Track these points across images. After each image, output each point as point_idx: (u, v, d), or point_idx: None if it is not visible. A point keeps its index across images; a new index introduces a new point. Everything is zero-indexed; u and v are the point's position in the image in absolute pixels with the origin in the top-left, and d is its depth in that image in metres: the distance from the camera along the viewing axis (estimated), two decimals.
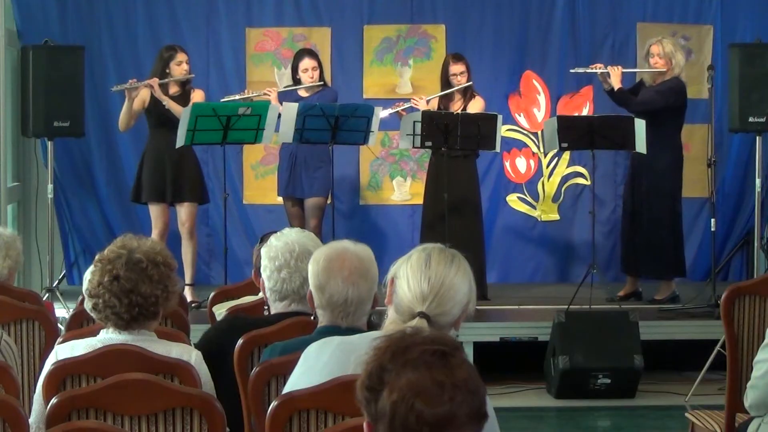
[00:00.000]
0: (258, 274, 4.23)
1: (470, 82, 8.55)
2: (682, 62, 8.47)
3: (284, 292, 4.04)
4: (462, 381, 2.05)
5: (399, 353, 2.07)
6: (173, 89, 8.41)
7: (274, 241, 4.09)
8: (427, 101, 8.60)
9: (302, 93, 8.58)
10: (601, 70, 8.47)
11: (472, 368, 2.09)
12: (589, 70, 8.58)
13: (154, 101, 8.29)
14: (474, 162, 8.59)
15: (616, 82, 8.41)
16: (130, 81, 8.38)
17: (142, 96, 8.37)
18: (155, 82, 8.27)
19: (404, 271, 2.95)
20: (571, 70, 8.90)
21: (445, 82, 8.60)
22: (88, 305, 3.78)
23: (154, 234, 8.31)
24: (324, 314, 3.51)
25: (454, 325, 2.97)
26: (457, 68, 8.54)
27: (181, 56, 8.38)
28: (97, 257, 3.77)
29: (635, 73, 8.68)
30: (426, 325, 2.85)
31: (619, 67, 8.50)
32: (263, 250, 4.10)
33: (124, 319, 3.69)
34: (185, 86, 8.44)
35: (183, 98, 8.35)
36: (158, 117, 8.31)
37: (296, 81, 8.60)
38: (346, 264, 3.47)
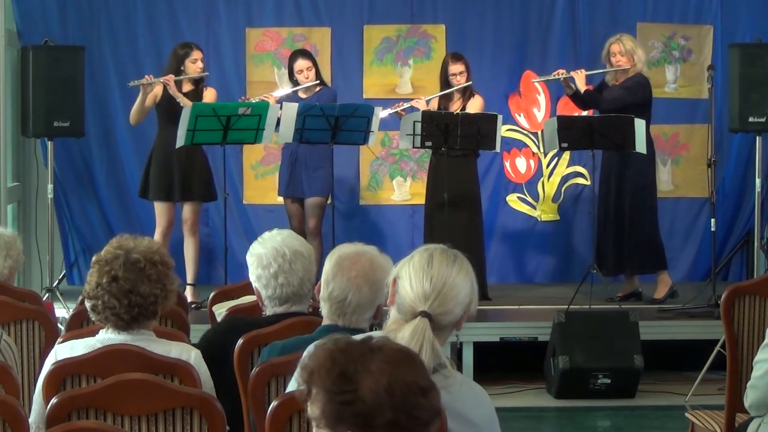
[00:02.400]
0: None
1: (469, 82, 8.56)
2: (643, 57, 8.54)
3: (285, 296, 4.05)
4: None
5: (354, 360, 2.07)
6: (186, 87, 8.40)
7: (260, 249, 4.08)
8: (427, 101, 8.61)
9: (301, 94, 8.57)
10: (564, 76, 8.48)
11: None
12: (552, 78, 8.60)
13: (166, 97, 8.28)
14: (474, 161, 8.59)
15: (581, 85, 8.45)
16: (146, 77, 8.36)
17: (155, 91, 8.36)
18: (171, 78, 8.26)
19: (406, 271, 2.96)
20: (534, 81, 8.95)
21: (445, 81, 8.61)
22: (88, 305, 3.78)
23: (158, 232, 8.30)
24: (324, 306, 3.56)
25: (456, 325, 2.97)
26: (456, 68, 8.54)
27: (196, 54, 8.38)
28: (94, 258, 3.77)
29: (599, 74, 8.66)
30: (428, 324, 2.86)
31: (583, 70, 8.53)
32: (253, 261, 4.09)
33: (124, 319, 3.68)
34: (198, 84, 8.43)
35: (195, 96, 8.34)
36: (169, 113, 8.29)
37: (294, 83, 8.60)
38: (356, 266, 3.50)
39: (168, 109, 8.29)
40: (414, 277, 2.93)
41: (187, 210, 8.41)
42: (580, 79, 8.47)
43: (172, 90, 8.22)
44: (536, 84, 9.64)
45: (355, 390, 2.04)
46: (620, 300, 8.52)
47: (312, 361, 2.09)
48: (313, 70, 8.54)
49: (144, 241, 3.76)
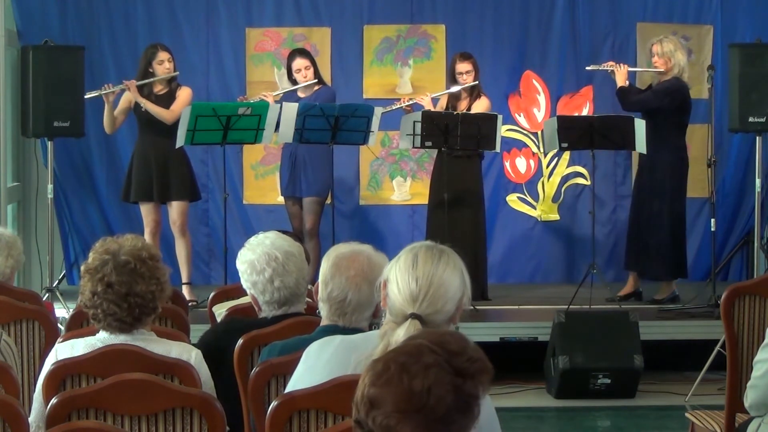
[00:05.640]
0: None
1: (476, 82, 8.54)
2: (682, 62, 8.42)
3: (283, 299, 4.05)
4: (407, 372, 2.04)
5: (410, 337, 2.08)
6: (158, 88, 8.41)
7: (251, 255, 4.07)
8: (434, 100, 8.59)
9: (299, 94, 8.58)
10: (611, 68, 8.48)
11: (436, 379, 2.06)
12: (601, 68, 8.60)
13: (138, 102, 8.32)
14: (478, 162, 8.58)
15: (620, 81, 8.42)
16: (104, 86, 8.39)
17: (128, 97, 8.38)
18: (132, 83, 8.27)
19: (394, 273, 2.94)
20: (587, 68, 8.89)
21: (452, 80, 8.60)
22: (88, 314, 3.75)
23: (146, 233, 8.33)
24: (323, 307, 3.56)
25: (451, 320, 2.95)
26: (463, 67, 8.53)
27: (162, 55, 8.37)
28: (83, 268, 3.72)
29: (637, 72, 8.70)
30: (419, 326, 2.84)
31: (625, 66, 8.50)
32: (246, 268, 4.07)
33: (128, 322, 3.67)
34: (171, 84, 8.43)
35: (168, 97, 8.35)
36: (143, 118, 8.35)
37: (293, 82, 8.60)
38: (354, 265, 3.50)
39: (142, 113, 8.32)
40: (400, 279, 2.91)
41: (173, 211, 8.43)
42: (620, 75, 8.43)
43: (134, 94, 8.24)
44: (536, 84, 9.65)
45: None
46: (620, 300, 8.51)
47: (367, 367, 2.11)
48: (311, 69, 8.53)
49: (128, 240, 3.73)
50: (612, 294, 8.51)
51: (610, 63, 8.57)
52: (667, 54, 8.37)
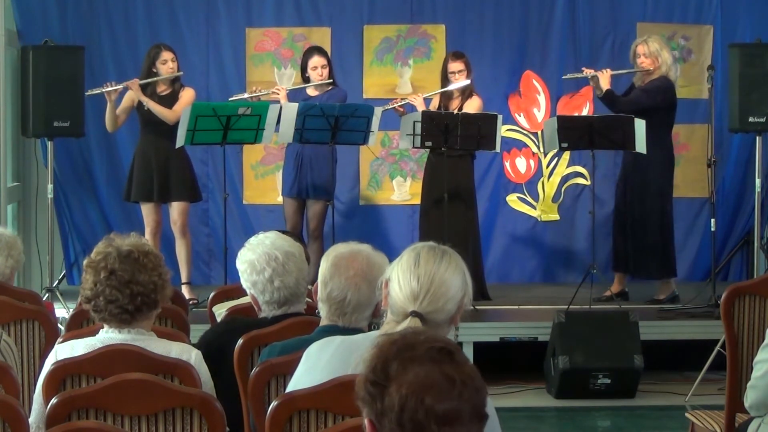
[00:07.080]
0: None
1: (468, 81, 8.53)
2: (669, 60, 8.46)
3: (282, 299, 4.05)
4: (469, 377, 2.06)
5: (404, 349, 2.08)
6: (162, 88, 8.41)
7: (251, 255, 4.07)
8: (426, 99, 8.59)
9: (311, 92, 8.56)
10: (591, 74, 8.47)
11: (474, 367, 2.10)
12: (580, 75, 8.59)
13: (141, 101, 8.32)
14: (470, 161, 8.56)
15: (605, 85, 8.41)
16: (106, 84, 8.39)
17: (132, 96, 8.38)
18: (135, 83, 8.28)
19: (395, 272, 2.97)
20: (564, 77, 8.92)
21: (444, 79, 8.60)
22: (88, 307, 3.75)
23: (147, 233, 8.34)
24: (323, 308, 3.56)
25: (451, 321, 2.97)
26: (455, 66, 8.53)
27: (166, 55, 8.38)
28: (85, 262, 3.73)
29: (627, 74, 8.68)
30: (420, 324, 2.86)
31: (608, 70, 8.51)
32: (246, 268, 4.07)
33: (129, 310, 3.66)
34: (174, 85, 8.43)
35: (171, 97, 8.36)
36: (145, 117, 8.35)
37: (305, 79, 8.58)
38: (353, 264, 3.50)
39: (144, 112, 8.32)
40: (402, 277, 2.94)
41: (174, 212, 8.45)
42: (604, 79, 8.41)
43: (137, 94, 8.25)
44: (536, 84, 9.66)
45: (384, 386, 2.06)
46: (607, 299, 8.47)
47: (382, 338, 2.12)
48: (327, 69, 8.52)
49: (131, 237, 3.75)
50: (599, 294, 8.46)
51: (589, 70, 8.54)
52: (654, 53, 8.39)
